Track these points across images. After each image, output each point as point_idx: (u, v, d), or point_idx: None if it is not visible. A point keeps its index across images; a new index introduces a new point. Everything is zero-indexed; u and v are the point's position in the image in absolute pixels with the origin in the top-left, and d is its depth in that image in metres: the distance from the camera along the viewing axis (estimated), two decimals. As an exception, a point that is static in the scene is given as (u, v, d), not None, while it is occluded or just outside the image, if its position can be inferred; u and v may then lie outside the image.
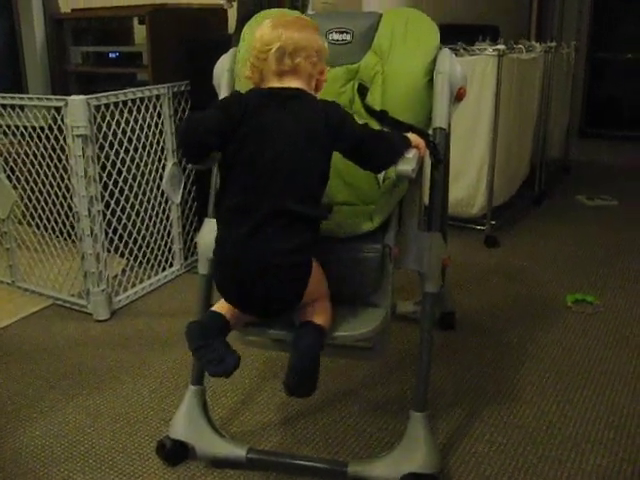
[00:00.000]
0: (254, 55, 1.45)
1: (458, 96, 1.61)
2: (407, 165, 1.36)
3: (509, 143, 3.25)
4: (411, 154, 1.40)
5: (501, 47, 2.97)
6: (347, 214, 1.58)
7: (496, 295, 2.60)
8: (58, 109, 2.31)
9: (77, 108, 2.23)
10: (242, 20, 2.44)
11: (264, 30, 1.44)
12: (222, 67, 1.75)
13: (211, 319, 1.44)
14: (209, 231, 1.65)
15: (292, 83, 1.43)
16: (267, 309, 1.41)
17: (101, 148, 2.37)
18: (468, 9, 4.09)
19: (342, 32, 1.72)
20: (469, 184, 3.14)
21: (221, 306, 1.46)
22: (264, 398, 1.91)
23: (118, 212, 2.49)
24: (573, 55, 4.27)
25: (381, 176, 1.60)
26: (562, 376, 2.00)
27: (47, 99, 2.37)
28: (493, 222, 3.18)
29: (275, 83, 1.44)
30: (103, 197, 2.39)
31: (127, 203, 2.51)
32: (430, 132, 1.58)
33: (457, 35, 3.39)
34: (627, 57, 6.09)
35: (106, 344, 2.26)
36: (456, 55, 3.06)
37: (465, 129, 3.03)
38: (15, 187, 2.61)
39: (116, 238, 2.51)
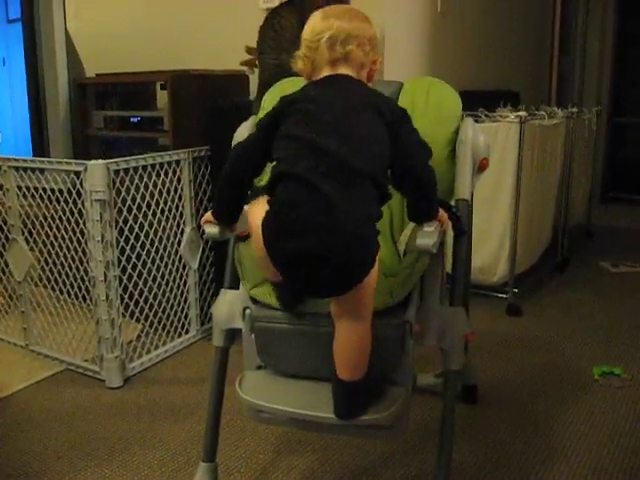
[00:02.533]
0: (305, 45, 1.45)
1: (481, 167, 1.58)
2: (428, 239, 1.32)
3: (531, 210, 3.20)
4: (432, 227, 1.35)
5: (523, 114, 2.96)
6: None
7: (520, 366, 2.51)
8: (77, 173, 2.31)
9: (96, 173, 2.23)
10: (263, 86, 2.46)
11: (315, 21, 1.45)
12: (241, 135, 1.74)
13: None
14: (224, 302, 1.62)
15: (343, 71, 1.43)
16: (325, 283, 1.24)
17: (119, 212, 2.36)
18: (489, 75, 4.10)
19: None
20: (490, 252, 3.09)
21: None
22: (279, 475, 1.84)
23: (135, 277, 2.46)
24: (595, 120, 4.25)
25: (402, 248, 1.55)
26: (590, 455, 1.91)
27: (67, 163, 2.37)
28: (515, 290, 3.11)
29: (326, 72, 1.43)
30: (120, 262, 2.37)
31: (144, 268, 2.49)
32: (452, 203, 1.55)
33: (478, 101, 3.39)
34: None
35: (118, 413, 2.20)
36: (477, 121, 3.07)
37: (487, 196, 2.99)
38: (32, 249, 2.60)
39: (132, 303, 2.48)
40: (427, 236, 1.32)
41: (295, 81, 1.80)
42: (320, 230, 1.20)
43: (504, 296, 3.13)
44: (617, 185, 6.02)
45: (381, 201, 1.31)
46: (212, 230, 1.46)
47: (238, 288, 1.61)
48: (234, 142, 1.77)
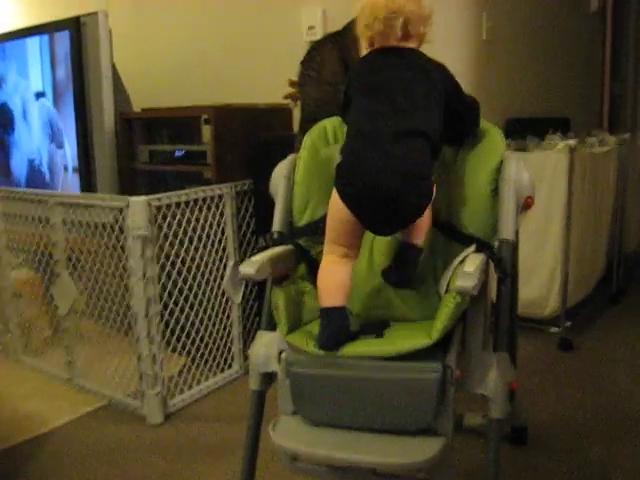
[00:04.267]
0: (377, 19, 1.52)
1: (525, 205, 1.51)
2: (468, 281, 1.26)
3: (583, 240, 3.10)
4: (472, 268, 1.30)
5: (572, 142, 2.87)
6: (402, 329, 1.48)
7: (572, 406, 2.41)
8: (120, 208, 2.31)
9: (138, 209, 2.23)
10: (304, 120, 2.44)
11: None
12: (280, 174, 1.71)
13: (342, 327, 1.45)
14: (262, 344, 1.59)
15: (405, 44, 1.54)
16: (397, 220, 1.44)
17: (161, 247, 2.36)
18: (537, 102, 4.01)
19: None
20: (541, 284, 2.99)
21: (332, 295, 1.47)
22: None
23: (177, 312, 2.45)
24: (650, 146, 4.12)
25: (443, 288, 1.49)
26: (648, 506, 1.81)
27: (110, 199, 2.39)
28: (567, 324, 3.00)
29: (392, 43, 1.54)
30: (162, 297, 2.36)
31: (186, 303, 2.48)
32: (496, 244, 1.49)
33: (527, 128, 3.32)
34: None
35: (157, 451, 2.18)
36: (525, 150, 3.00)
37: (536, 227, 2.91)
38: (77, 281, 2.62)
39: (174, 339, 2.46)
40: (467, 278, 1.27)
41: (334, 120, 1.78)
42: (382, 169, 1.38)
43: (556, 330, 3.02)
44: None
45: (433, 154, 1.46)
46: (248, 270, 1.43)
47: (275, 329, 1.57)
48: (273, 178, 1.75)
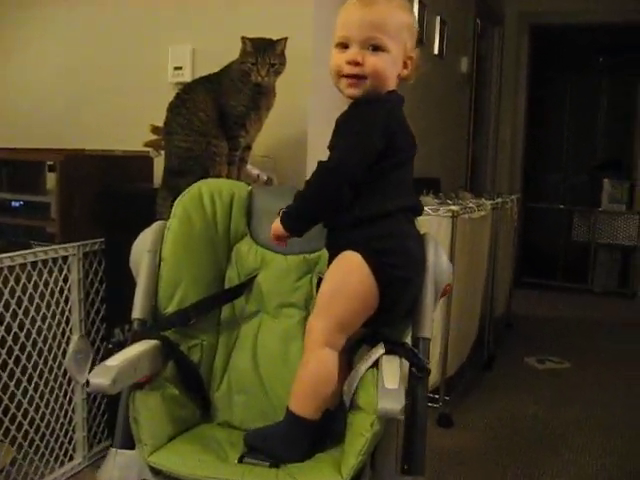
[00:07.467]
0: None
1: (443, 293, 1.28)
2: (394, 402, 0.99)
3: (462, 308, 2.96)
4: (395, 383, 1.03)
5: (455, 208, 2.73)
6: (307, 461, 1.19)
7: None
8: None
9: (-42, 276, 1.81)
10: (170, 173, 2.12)
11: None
12: (142, 247, 1.36)
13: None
14: (116, 466, 1.24)
15: None
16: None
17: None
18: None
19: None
20: (422, 357, 2.80)
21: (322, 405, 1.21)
22: None
23: (6, 399, 2.01)
24: (516, 210, 4.13)
25: (347, 398, 1.21)
26: None
27: None
28: (447, 398, 2.82)
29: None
30: (-15, 381, 1.93)
31: (18, 387, 2.05)
32: (407, 340, 1.24)
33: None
34: (559, 207, 6.12)
35: None
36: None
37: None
38: None
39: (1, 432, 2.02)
40: (392, 398, 1.00)
41: (216, 183, 1.48)
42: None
43: (434, 405, 2.82)
44: (530, 270, 5.94)
45: None
46: (100, 382, 1.09)
47: (134, 447, 1.23)
48: (134, 252, 1.41)
